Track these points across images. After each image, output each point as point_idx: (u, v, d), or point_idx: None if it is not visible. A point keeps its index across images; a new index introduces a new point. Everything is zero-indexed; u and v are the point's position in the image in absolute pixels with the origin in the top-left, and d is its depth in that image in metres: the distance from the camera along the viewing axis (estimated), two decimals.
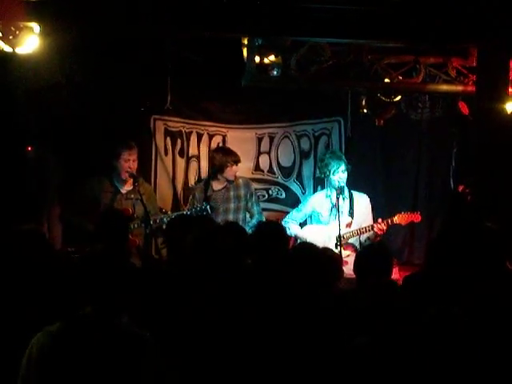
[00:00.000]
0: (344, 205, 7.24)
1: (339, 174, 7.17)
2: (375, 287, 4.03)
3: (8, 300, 4.19)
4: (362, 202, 7.36)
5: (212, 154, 7.82)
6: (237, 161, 7.45)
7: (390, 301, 3.90)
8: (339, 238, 6.78)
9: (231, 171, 7.44)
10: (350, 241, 7.17)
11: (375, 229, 7.10)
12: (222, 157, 7.49)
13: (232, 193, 7.54)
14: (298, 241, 7.28)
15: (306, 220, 7.73)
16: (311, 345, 4.01)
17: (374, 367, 3.71)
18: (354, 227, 7.18)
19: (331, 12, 6.00)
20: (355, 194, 7.34)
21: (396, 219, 7.16)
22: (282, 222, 7.34)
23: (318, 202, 7.47)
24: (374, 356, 3.73)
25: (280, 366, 3.96)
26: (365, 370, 3.73)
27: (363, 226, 7.19)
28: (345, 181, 7.22)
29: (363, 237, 7.20)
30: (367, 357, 3.74)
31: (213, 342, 3.95)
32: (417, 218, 7.26)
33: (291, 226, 7.38)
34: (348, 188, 7.31)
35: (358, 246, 7.19)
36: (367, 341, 3.79)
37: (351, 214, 7.26)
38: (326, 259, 4.61)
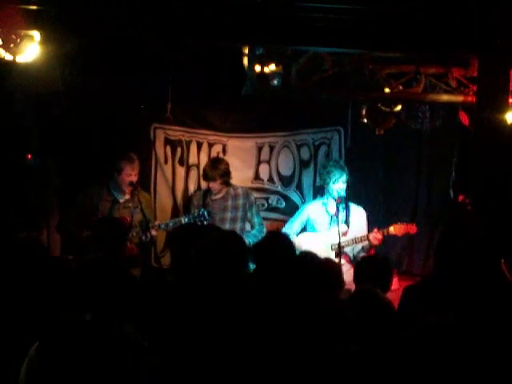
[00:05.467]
0: (340, 214, 7.21)
1: (339, 184, 7.16)
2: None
3: (6, 308, 4.18)
4: (358, 214, 7.33)
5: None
6: (210, 177, 7.30)
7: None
8: (339, 247, 6.76)
9: (211, 184, 7.39)
10: (345, 250, 7.13)
11: (370, 238, 7.06)
12: (206, 166, 7.49)
13: (230, 202, 7.51)
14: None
15: (304, 229, 7.69)
16: (308, 352, 4.00)
17: (366, 376, 3.71)
18: (349, 237, 7.16)
19: (332, 22, 6.00)
20: (352, 205, 7.33)
21: (392, 230, 7.12)
22: None
23: (313, 210, 7.44)
24: (366, 365, 3.72)
25: (275, 370, 3.95)
26: (356, 379, 3.73)
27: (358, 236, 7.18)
28: (344, 191, 7.19)
29: (357, 247, 7.17)
30: (359, 366, 3.74)
31: (216, 347, 3.94)
32: (412, 229, 7.21)
33: None
34: (346, 199, 7.29)
35: (352, 257, 7.17)
36: (359, 350, 3.79)
37: (347, 223, 7.24)
38: (327, 269, 4.61)
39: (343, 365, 3.79)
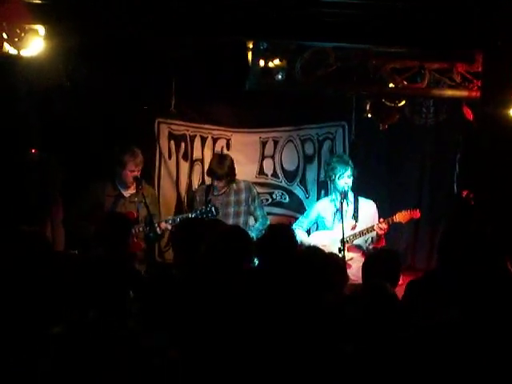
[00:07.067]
0: (348, 209, 7.23)
1: (345, 179, 7.16)
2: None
3: (9, 301, 4.19)
4: (368, 208, 7.34)
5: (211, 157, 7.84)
6: (219, 176, 7.33)
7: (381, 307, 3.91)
8: (342, 242, 6.76)
9: (217, 182, 7.41)
10: (356, 242, 7.15)
11: (375, 228, 7.08)
12: (212, 163, 7.49)
13: (232, 197, 7.52)
14: None
15: (315, 225, 7.70)
16: (308, 347, 4.01)
17: (364, 377, 3.72)
18: (358, 230, 7.17)
19: (337, 17, 5.99)
20: (361, 199, 7.33)
21: (396, 217, 7.14)
22: None
23: (323, 207, 7.48)
24: (364, 365, 3.73)
25: (275, 365, 3.95)
26: (355, 380, 3.74)
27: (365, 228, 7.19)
28: (350, 185, 7.21)
29: (369, 239, 7.19)
30: (358, 366, 3.74)
31: (216, 345, 3.95)
32: (416, 214, 7.24)
33: (298, 232, 7.34)
34: (354, 193, 7.29)
35: (366, 250, 7.18)
36: (358, 350, 3.79)
37: (355, 217, 7.24)
38: (331, 264, 4.61)
39: (341, 364, 3.80)
